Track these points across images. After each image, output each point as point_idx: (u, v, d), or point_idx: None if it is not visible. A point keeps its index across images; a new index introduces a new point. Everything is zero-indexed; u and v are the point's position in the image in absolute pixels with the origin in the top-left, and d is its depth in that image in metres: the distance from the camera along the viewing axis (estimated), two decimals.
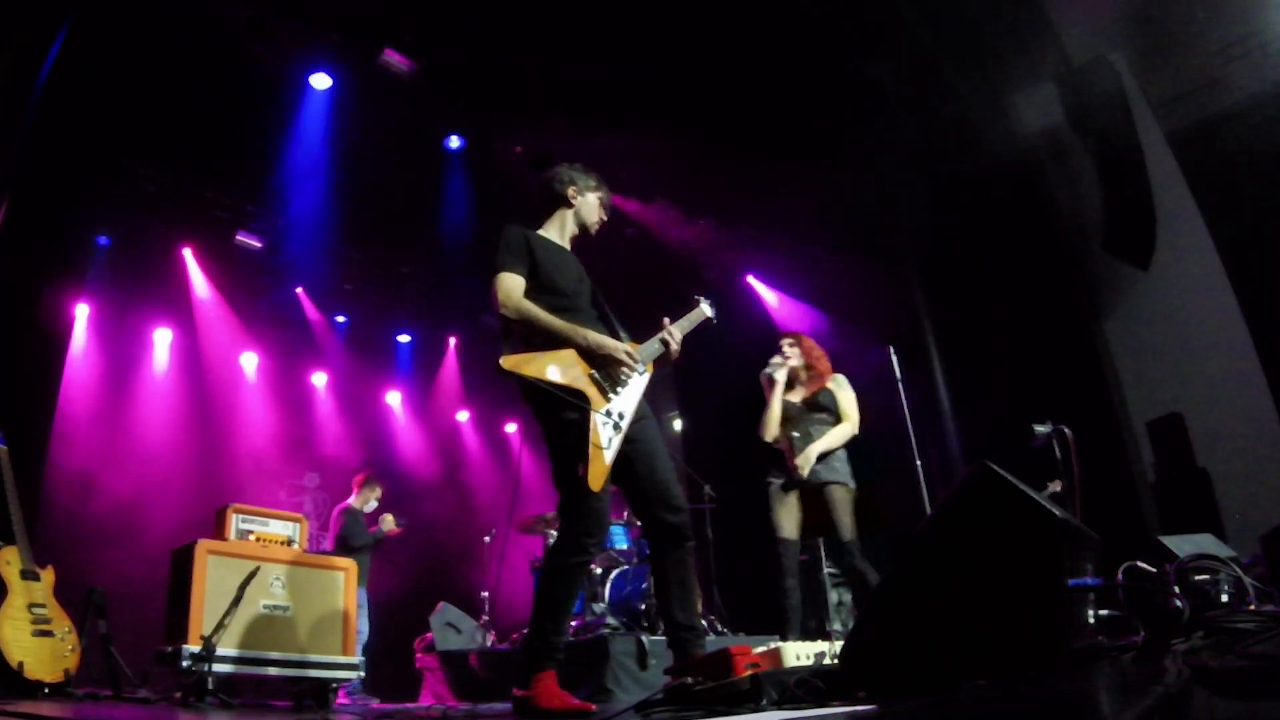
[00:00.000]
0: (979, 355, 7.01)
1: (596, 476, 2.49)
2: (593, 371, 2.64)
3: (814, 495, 4.26)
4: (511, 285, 2.73)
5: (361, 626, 5.86)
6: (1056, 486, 5.57)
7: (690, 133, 7.02)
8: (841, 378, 4.56)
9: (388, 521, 6.25)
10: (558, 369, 2.61)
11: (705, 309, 3.23)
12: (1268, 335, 5.81)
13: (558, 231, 2.99)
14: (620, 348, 2.70)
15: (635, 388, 2.72)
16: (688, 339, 3.02)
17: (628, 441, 2.71)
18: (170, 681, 3.90)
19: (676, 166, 7.62)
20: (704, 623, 4.93)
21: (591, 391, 2.60)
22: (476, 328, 9.20)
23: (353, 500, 6.47)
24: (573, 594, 2.61)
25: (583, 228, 3.01)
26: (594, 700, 3.88)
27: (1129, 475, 6.39)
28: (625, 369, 2.67)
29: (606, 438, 2.54)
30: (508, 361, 2.58)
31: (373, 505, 6.51)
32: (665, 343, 2.88)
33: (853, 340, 7.71)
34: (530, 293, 2.75)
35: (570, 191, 2.99)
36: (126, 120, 6.11)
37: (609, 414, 2.58)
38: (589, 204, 2.98)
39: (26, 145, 4.97)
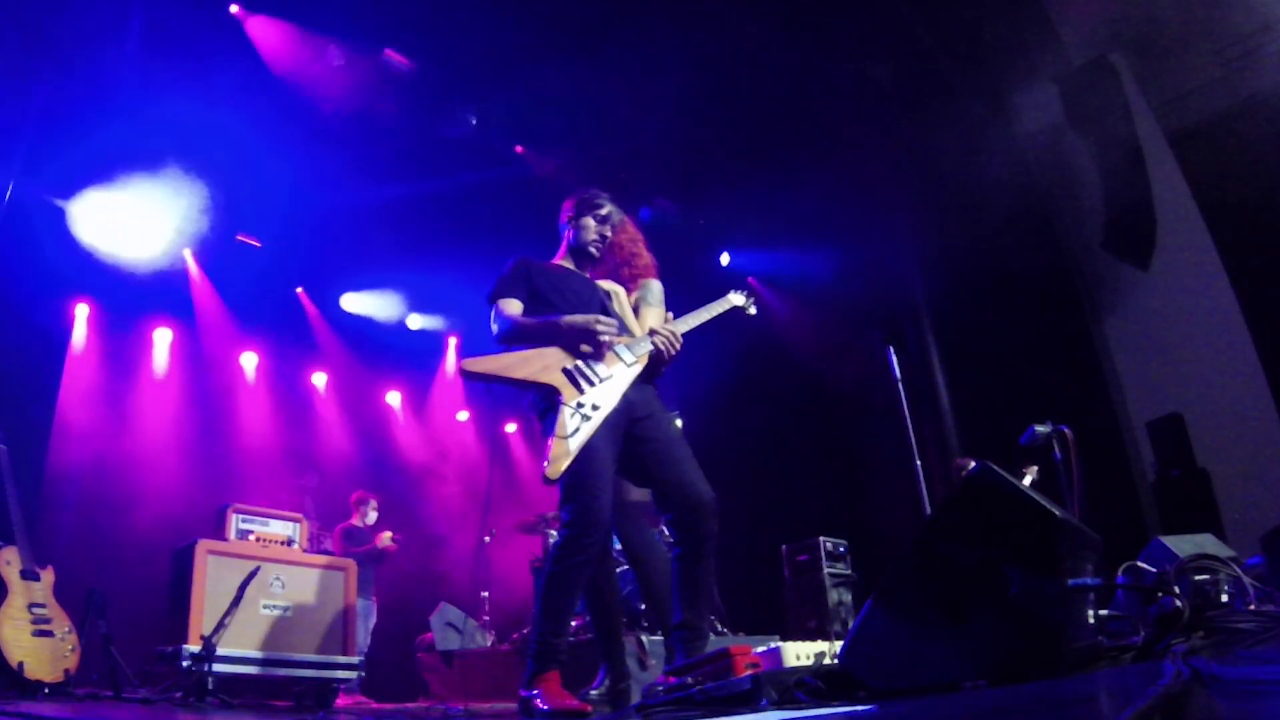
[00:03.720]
0: (979, 355, 7.01)
1: (553, 462, 2.46)
2: (567, 365, 2.62)
3: None
4: (501, 308, 2.82)
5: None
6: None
7: (690, 132, 7.02)
8: (656, 285, 3.23)
9: (385, 539, 6.53)
10: (523, 364, 2.62)
11: (733, 298, 3.14)
12: (1268, 335, 5.81)
13: (567, 257, 3.03)
14: (593, 318, 2.67)
15: (618, 380, 2.66)
16: (700, 334, 2.96)
17: (640, 442, 2.69)
18: (170, 681, 3.90)
19: (676, 166, 7.62)
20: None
21: (560, 382, 2.59)
22: (477, 328, 9.19)
23: (354, 519, 6.78)
24: (573, 596, 2.59)
25: (582, 250, 2.99)
26: (612, 692, 3.86)
27: (1129, 475, 6.39)
28: (603, 338, 2.63)
29: (573, 428, 2.51)
30: (470, 362, 2.64)
31: (373, 518, 6.80)
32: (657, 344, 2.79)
33: (852, 339, 7.72)
34: (529, 314, 2.81)
35: (565, 220, 3.05)
36: (127, 120, 6.10)
37: (580, 405, 2.56)
38: (582, 227, 2.98)
39: (27, 145, 4.97)
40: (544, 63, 6.42)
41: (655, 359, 2.81)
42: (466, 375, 2.65)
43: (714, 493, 2.70)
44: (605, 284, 3.05)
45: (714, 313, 3.05)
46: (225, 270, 7.66)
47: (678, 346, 2.81)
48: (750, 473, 7.70)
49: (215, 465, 7.29)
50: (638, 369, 2.74)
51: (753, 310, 3.24)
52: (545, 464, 2.46)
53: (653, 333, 2.81)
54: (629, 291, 3.18)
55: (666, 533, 5.89)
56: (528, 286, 2.86)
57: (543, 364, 2.63)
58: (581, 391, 2.58)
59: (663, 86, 6.57)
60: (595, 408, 2.57)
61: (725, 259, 8.47)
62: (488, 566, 7.17)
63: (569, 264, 3.02)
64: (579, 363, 2.63)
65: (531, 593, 6.21)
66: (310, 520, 7.31)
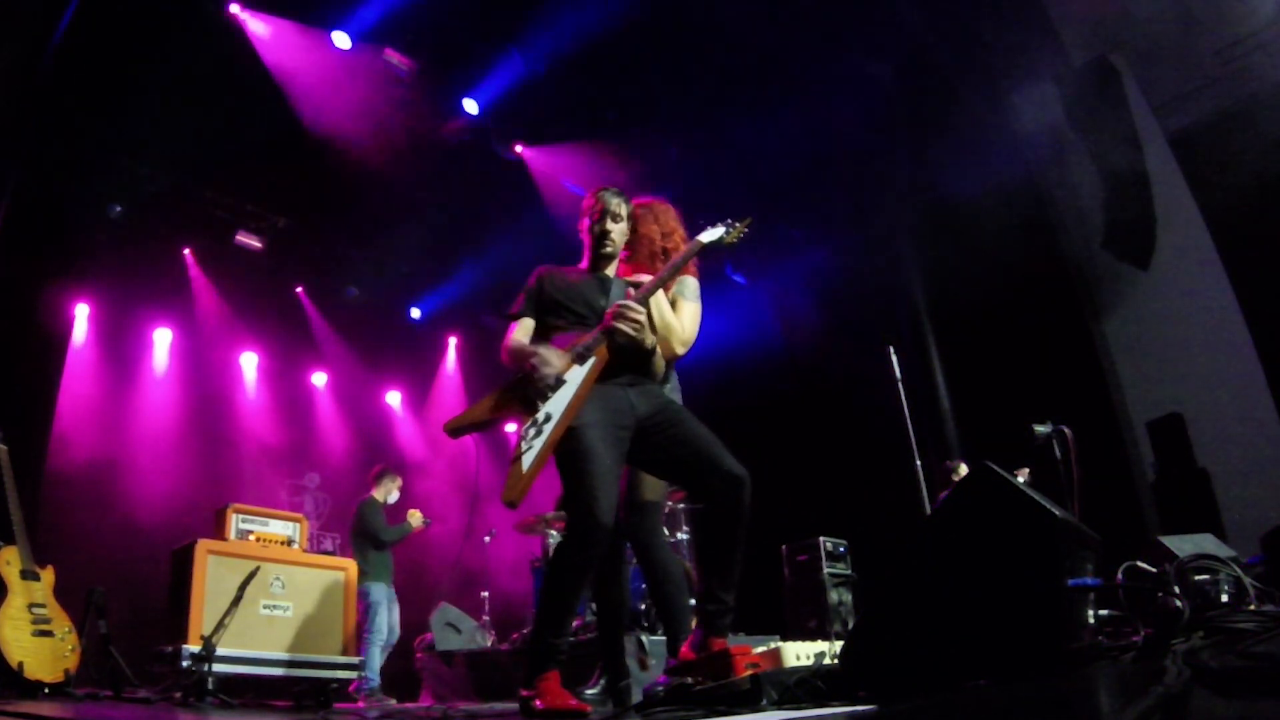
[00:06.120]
0: (979, 355, 7.01)
1: (507, 489, 2.45)
2: (526, 389, 2.63)
3: None
4: (509, 330, 2.85)
5: (381, 625, 5.60)
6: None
7: (689, 131, 7.03)
8: (691, 281, 3.07)
9: (416, 517, 5.90)
10: (486, 408, 2.71)
11: (702, 236, 2.85)
12: (1268, 335, 5.82)
13: (587, 260, 2.98)
14: (530, 352, 2.64)
15: (573, 382, 2.63)
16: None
17: (654, 434, 2.68)
18: (170, 681, 3.90)
19: (675, 166, 7.62)
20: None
21: (517, 409, 2.63)
22: (476, 328, 9.20)
23: (374, 493, 6.06)
24: (574, 597, 2.59)
25: (594, 250, 2.94)
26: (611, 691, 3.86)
27: (1129, 475, 6.39)
28: (536, 374, 2.61)
29: (525, 448, 2.52)
30: (448, 424, 2.73)
31: (395, 497, 6.15)
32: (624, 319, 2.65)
33: (853, 340, 7.72)
34: (545, 324, 2.82)
35: (581, 227, 3.02)
36: (127, 120, 6.11)
37: (535, 422, 2.57)
38: (588, 229, 2.95)
39: (27, 145, 4.97)
40: None
41: (630, 344, 2.68)
42: (451, 433, 2.72)
43: (745, 469, 2.66)
44: (638, 276, 2.98)
45: (679, 268, 2.84)
46: (225, 270, 7.67)
47: (630, 316, 2.63)
48: (750, 473, 7.70)
49: (215, 465, 7.29)
50: (594, 362, 2.66)
51: (734, 239, 2.87)
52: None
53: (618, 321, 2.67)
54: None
55: (666, 532, 5.91)
56: (537, 302, 2.86)
57: (501, 398, 2.67)
58: (536, 410, 2.59)
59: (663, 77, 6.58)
60: (549, 417, 2.56)
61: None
62: (487, 566, 7.16)
63: (588, 266, 2.97)
64: (535, 382, 2.61)
65: (531, 593, 6.22)
66: (310, 520, 7.29)
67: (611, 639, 3.16)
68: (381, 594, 5.66)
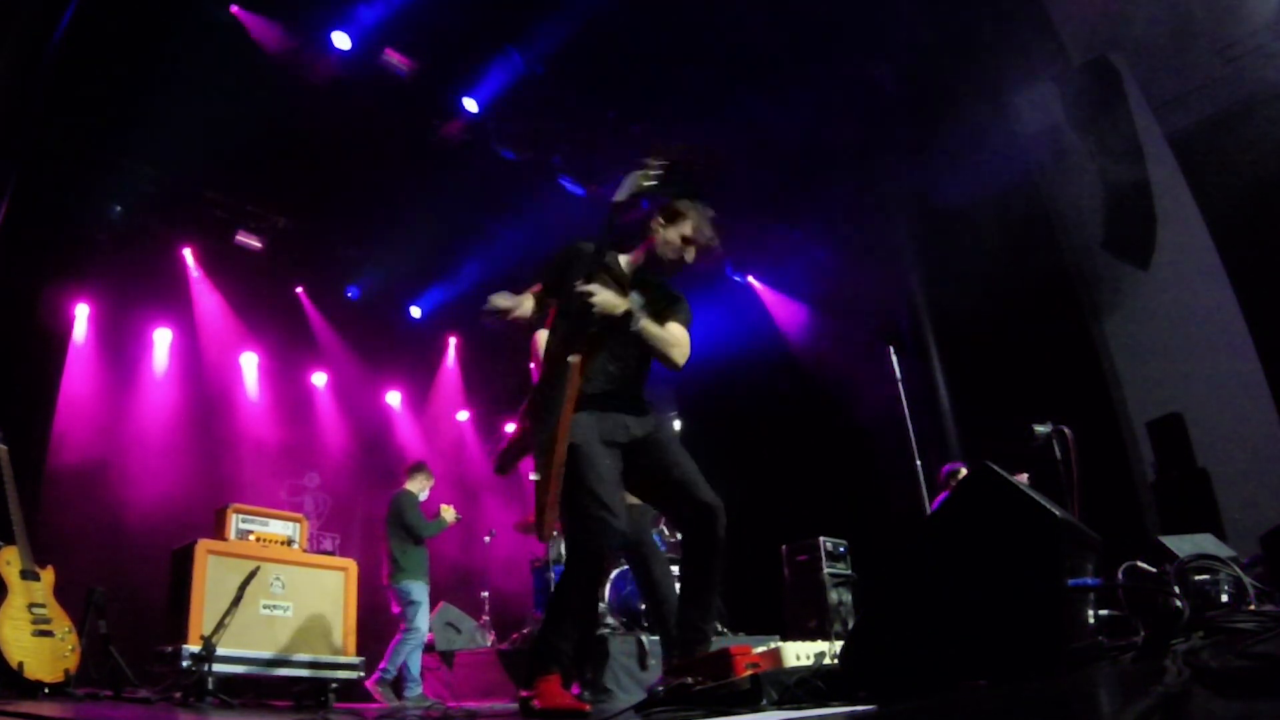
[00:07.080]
0: (979, 355, 7.01)
1: (538, 527, 2.54)
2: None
3: None
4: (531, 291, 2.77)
5: (422, 624, 5.32)
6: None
7: (689, 131, 7.02)
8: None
9: (449, 513, 5.68)
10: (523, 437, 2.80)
11: (617, 198, 2.66)
12: (1268, 335, 5.81)
13: (633, 255, 2.80)
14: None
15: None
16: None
17: (641, 454, 2.69)
18: (170, 681, 3.90)
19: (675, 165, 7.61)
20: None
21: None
22: (476, 328, 9.20)
23: (409, 485, 5.81)
24: (582, 602, 2.61)
25: (657, 262, 2.72)
26: (594, 700, 3.89)
27: (1129, 475, 6.39)
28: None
29: (539, 476, 2.57)
30: (498, 468, 3.01)
31: (426, 494, 5.90)
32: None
33: (853, 339, 7.73)
34: (556, 313, 2.72)
35: (654, 224, 2.74)
36: (127, 120, 6.11)
37: (540, 447, 2.62)
38: (666, 240, 2.70)
39: (28, 145, 4.97)
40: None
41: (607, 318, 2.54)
42: (499, 472, 3.00)
43: (719, 498, 2.68)
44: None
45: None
46: (225, 270, 7.67)
47: (589, 298, 2.50)
48: (750, 473, 7.71)
49: (215, 465, 7.29)
50: (573, 363, 2.57)
51: (650, 181, 2.61)
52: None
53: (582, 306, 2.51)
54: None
55: (666, 532, 5.92)
56: (555, 278, 2.69)
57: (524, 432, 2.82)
58: (540, 435, 2.63)
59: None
60: (551, 440, 2.55)
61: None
62: (487, 566, 7.16)
63: (624, 261, 2.77)
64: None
65: (531, 593, 6.22)
66: (310, 520, 7.28)
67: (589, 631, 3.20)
68: (423, 593, 5.37)
